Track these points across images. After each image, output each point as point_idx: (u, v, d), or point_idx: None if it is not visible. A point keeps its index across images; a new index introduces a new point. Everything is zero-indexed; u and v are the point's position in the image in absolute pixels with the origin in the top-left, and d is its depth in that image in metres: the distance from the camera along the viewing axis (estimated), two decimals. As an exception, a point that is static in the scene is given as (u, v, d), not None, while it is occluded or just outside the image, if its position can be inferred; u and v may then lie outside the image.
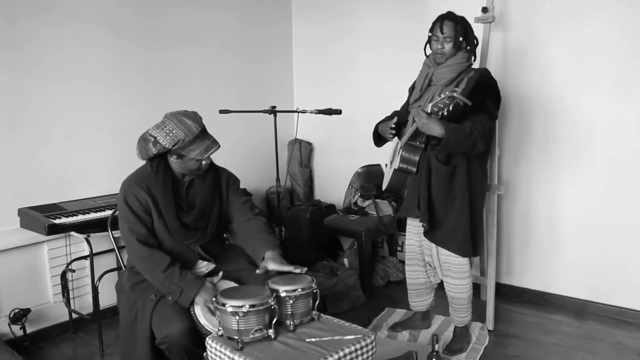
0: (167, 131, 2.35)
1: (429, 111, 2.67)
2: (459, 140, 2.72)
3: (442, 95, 2.63)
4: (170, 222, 2.47)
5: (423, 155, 2.92)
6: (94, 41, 3.63)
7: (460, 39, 2.86)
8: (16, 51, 3.29)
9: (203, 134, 2.42)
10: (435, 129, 2.69)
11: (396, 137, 3.10)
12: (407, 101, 3.17)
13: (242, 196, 2.72)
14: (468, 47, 2.91)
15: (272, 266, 2.43)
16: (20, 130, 3.35)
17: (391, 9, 4.35)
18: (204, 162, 2.46)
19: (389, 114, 3.27)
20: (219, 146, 2.47)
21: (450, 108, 2.62)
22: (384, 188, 3.19)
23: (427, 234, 3.02)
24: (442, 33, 2.85)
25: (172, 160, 2.46)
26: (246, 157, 4.57)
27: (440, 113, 2.66)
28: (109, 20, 3.69)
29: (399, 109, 3.26)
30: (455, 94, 2.58)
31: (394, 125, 3.00)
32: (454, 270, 3.05)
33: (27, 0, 3.30)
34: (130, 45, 3.82)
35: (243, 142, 4.59)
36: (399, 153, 2.97)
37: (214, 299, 2.25)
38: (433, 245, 3.08)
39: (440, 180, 2.91)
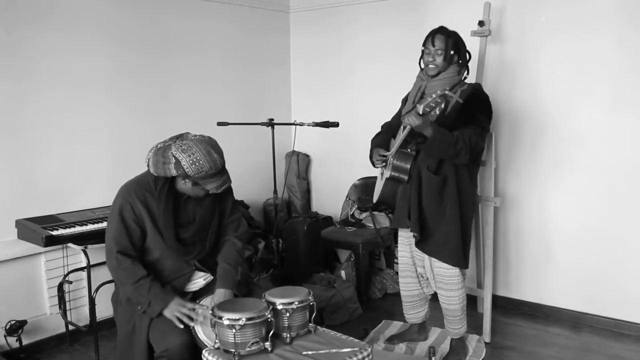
0: (194, 159, 2.30)
1: (421, 112, 2.71)
2: (443, 145, 2.77)
3: (434, 95, 2.67)
4: (169, 240, 2.47)
5: (414, 166, 2.96)
6: (93, 49, 3.65)
7: (452, 52, 2.92)
8: (13, 58, 3.30)
9: (223, 168, 2.42)
10: (426, 130, 2.75)
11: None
12: (400, 112, 3.20)
13: (232, 213, 2.72)
14: (460, 61, 2.96)
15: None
16: (18, 140, 3.35)
17: (389, 19, 4.38)
18: (215, 192, 2.46)
19: (386, 124, 3.31)
20: (231, 182, 2.48)
21: (442, 106, 2.67)
22: (375, 200, 3.21)
23: (418, 244, 3.04)
24: (434, 46, 2.93)
25: (183, 182, 2.43)
26: (244, 169, 4.58)
27: (432, 112, 2.70)
28: (108, 29, 3.71)
29: (390, 120, 3.29)
30: (447, 92, 2.63)
31: (382, 154, 3.05)
32: (446, 282, 3.06)
33: (24, 7, 3.32)
34: (128, 53, 3.84)
35: (241, 154, 4.59)
36: (390, 162, 3.00)
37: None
38: (425, 256, 3.09)
39: (431, 191, 2.94)
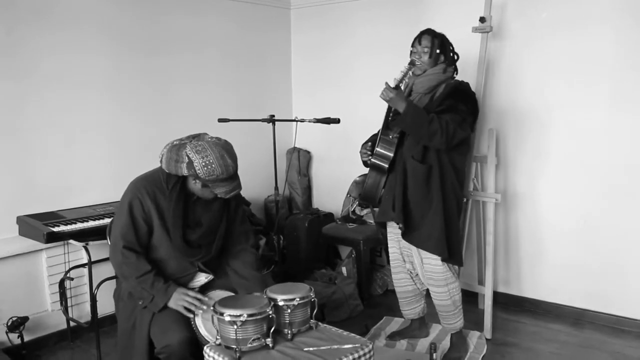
0: (207, 162, 2.31)
1: (393, 84, 2.81)
2: (416, 120, 2.80)
3: (403, 67, 2.82)
4: (176, 240, 2.47)
5: (399, 154, 2.99)
6: (92, 48, 3.64)
7: (437, 51, 2.99)
8: (13, 58, 3.30)
9: (235, 174, 2.42)
10: (400, 104, 2.81)
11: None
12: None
13: (242, 222, 2.74)
14: (446, 62, 3.02)
15: None
16: (19, 138, 3.35)
17: (389, 16, 4.37)
18: (225, 197, 2.45)
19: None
20: (241, 189, 2.48)
21: (411, 74, 2.83)
22: (360, 196, 3.22)
23: (404, 235, 3.03)
24: (420, 44, 3.01)
25: (194, 182, 2.42)
26: (245, 165, 4.52)
27: (402, 81, 2.84)
28: (107, 28, 3.71)
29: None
30: (414, 59, 2.81)
31: (369, 147, 3.11)
32: (435, 278, 3.07)
33: (24, 7, 3.31)
34: (128, 52, 3.83)
35: (241, 151, 4.53)
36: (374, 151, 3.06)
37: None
38: (414, 252, 3.10)
39: (417, 180, 2.95)
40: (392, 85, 2.82)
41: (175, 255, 2.50)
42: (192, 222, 2.52)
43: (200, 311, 2.38)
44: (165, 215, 2.46)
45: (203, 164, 2.31)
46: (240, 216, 2.72)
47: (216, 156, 2.32)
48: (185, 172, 2.35)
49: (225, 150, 2.37)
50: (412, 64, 2.84)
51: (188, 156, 2.33)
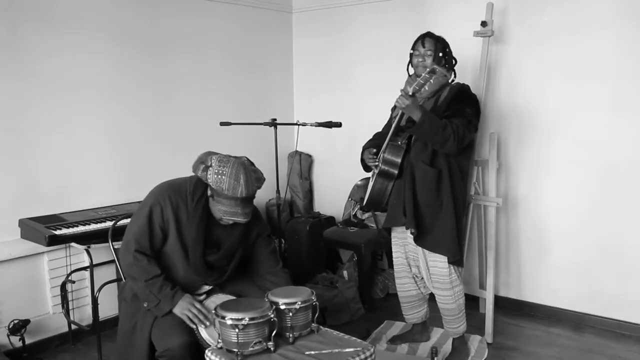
0: (220, 172, 2.35)
1: (410, 92, 2.76)
2: (432, 128, 2.80)
3: (422, 74, 2.74)
4: (193, 256, 2.48)
5: (406, 160, 2.98)
6: (94, 49, 3.65)
7: (440, 54, 3.01)
8: (16, 59, 3.30)
9: (242, 201, 2.40)
10: (415, 113, 2.78)
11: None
12: (389, 121, 3.24)
13: (269, 245, 2.75)
14: (447, 65, 3.03)
15: None
16: (20, 140, 3.36)
17: (391, 20, 4.37)
18: (224, 218, 2.45)
19: (377, 134, 3.33)
20: (245, 221, 2.47)
21: (432, 81, 2.72)
22: (364, 202, 3.20)
23: (416, 240, 3.03)
24: (424, 47, 3.03)
25: (208, 191, 2.46)
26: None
27: (421, 90, 2.77)
28: (110, 29, 3.71)
29: (381, 130, 3.32)
30: (435, 67, 2.70)
31: (374, 152, 3.10)
32: (442, 281, 3.07)
33: (26, 8, 3.32)
34: (130, 53, 3.84)
35: (243, 154, 4.58)
36: (381, 157, 3.04)
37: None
38: (420, 256, 3.09)
39: (428, 184, 2.95)
40: (410, 92, 2.75)
41: (186, 268, 2.50)
42: (210, 243, 2.53)
43: (202, 326, 2.38)
44: (182, 228, 2.47)
45: (216, 171, 2.35)
46: (265, 243, 2.73)
47: (231, 172, 2.35)
48: (199, 172, 2.39)
49: (245, 174, 2.38)
50: (432, 72, 2.72)
51: (211, 161, 2.38)
